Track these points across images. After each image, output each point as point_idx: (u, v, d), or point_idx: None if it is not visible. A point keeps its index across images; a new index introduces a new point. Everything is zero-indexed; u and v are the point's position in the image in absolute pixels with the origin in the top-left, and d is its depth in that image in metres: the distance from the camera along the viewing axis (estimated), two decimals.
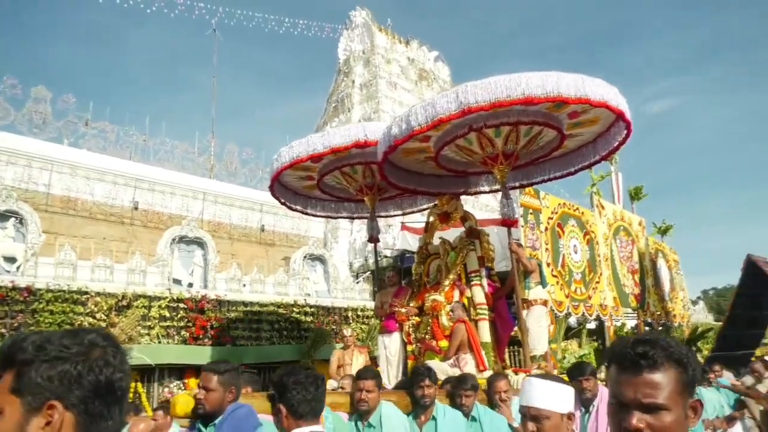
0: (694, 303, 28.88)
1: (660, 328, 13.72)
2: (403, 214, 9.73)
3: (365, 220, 18.56)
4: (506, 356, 7.64)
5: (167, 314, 9.13)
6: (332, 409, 3.41)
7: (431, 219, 7.62)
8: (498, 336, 6.74)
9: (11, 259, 9.25)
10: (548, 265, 9.95)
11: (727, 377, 8.09)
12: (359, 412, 3.49)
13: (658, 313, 13.66)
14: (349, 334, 7.72)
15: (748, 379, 8.22)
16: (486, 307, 6.56)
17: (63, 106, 15.26)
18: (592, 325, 12.42)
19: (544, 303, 6.72)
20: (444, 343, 6.34)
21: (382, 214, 8.92)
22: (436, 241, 7.59)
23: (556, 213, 10.61)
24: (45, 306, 8.09)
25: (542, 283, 6.89)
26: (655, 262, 14.29)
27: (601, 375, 5.07)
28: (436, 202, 7.66)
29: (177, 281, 11.13)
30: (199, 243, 12.11)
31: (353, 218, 9.54)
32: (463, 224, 7.28)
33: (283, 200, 8.15)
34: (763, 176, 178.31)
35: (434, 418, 3.69)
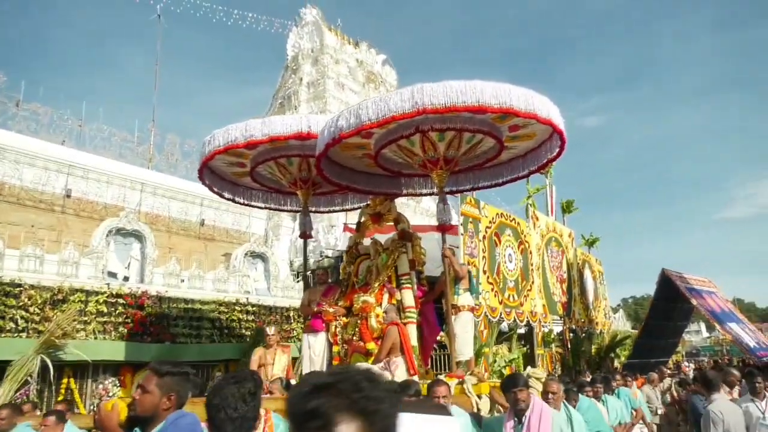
0: (615, 311, 30.74)
1: (583, 335, 14.64)
2: (332, 212, 9.54)
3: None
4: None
5: (105, 309, 8.86)
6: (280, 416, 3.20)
7: (363, 219, 7.46)
8: (424, 340, 6.74)
9: None
10: (484, 272, 10.44)
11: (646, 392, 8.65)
12: None
13: (583, 320, 14.56)
14: (272, 333, 7.35)
15: (646, 388, 8.93)
16: (414, 310, 6.51)
17: None
18: (522, 330, 13.09)
19: (472, 309, 6.74)
20: (372, 345, 6.24)
21: (313, 209, 8.64)
22: (366, 241, 7.48)
23: (494, 222, 11.14)
24: None
25: (471, 289, 6.95)
26: (582, 273, 15.20)
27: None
28: (369, 202, 7.53)
29: (112, 274, 10.80)
30: (137, 236, 11.79)
31: (282, 211, 9.16)
32: (395, 226, 7.22)
33: (209, 184, 7.82)
34: (682, 193, 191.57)
35: None
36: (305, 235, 7.76)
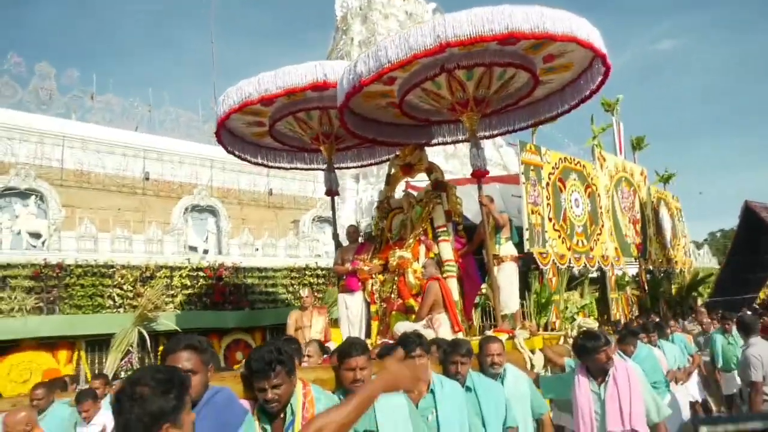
0: (699, 247, 29.26)
1: (661, 275, 14.15)
2: (361, 167, 9.18)
3: (371, 180, 18.55)
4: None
5: (188, 282, 9.66)
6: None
7: (393, 171, 7.02)
8: (465, 294, 6.33)
9: (36, 235, 9.74)
10: (550, 219, 10.24)
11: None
12: (351, 391, 2.71)
13: (660, 260, 14.06)
14: (306, 295, 7.03)
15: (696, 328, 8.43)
16: (454, 263, 6.14)
17: (67, 81, 15.39)
18: (594, 275, 12.85)
19: (515, 259, 6.32)
20: (411, 303, 5.96)
21: (340, 165, 8.24)
22: (398, 194, 7.15)
23: (558, 168, 10.82)
24: (76, 280, 8.64)
25: (512, 238, 6.52)
26: (657, 211, 14.57)
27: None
28: (398, 153, 7.09)
29: (193, 248, 11.62)
30: (211, 211, 12.53)
31: (308, 170, 8.82)
32: (428, 176, 6.82)
33: (230, 148, 7.44)
34: None
35: (431, 391, 3.03)
36: (331, 192, 7.42)
